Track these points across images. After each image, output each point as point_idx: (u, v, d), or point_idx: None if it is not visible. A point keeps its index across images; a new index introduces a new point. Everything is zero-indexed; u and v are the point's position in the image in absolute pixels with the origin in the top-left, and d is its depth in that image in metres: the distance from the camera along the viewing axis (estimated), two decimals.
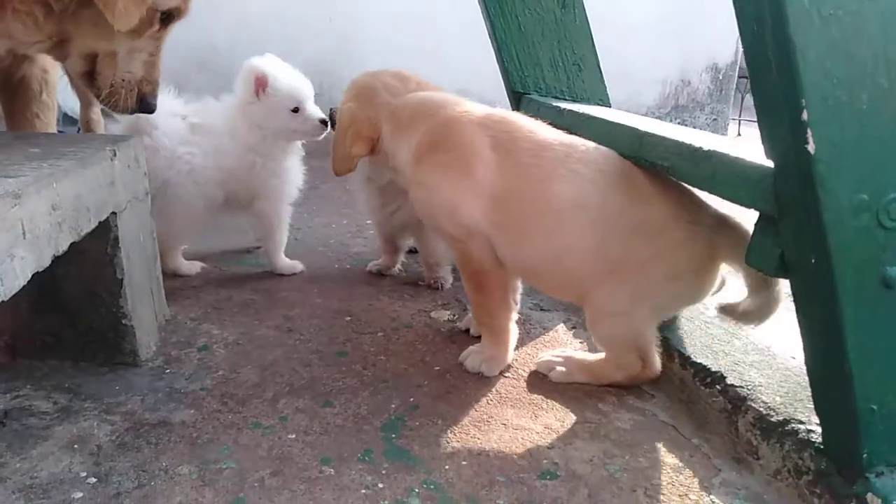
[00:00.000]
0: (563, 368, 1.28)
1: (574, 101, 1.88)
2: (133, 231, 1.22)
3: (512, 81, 1.88)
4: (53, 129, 1.68)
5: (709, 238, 1.13)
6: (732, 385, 1.14)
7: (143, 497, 0.89)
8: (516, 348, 1.37)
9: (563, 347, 1.42)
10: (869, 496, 0.85)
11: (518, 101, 1.88)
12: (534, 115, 1.69)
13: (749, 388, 1.13)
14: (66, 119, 3.16)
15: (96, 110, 2.43)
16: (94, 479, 0.92)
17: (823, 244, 0.77)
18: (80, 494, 0.89)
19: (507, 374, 1.30)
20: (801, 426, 1.01)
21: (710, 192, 0.99)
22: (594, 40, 1.87)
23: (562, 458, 1.04)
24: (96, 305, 1.17)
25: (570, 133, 1.49)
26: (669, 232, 1.13)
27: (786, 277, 0.87)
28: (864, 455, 0.86)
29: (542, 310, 1.63)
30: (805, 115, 0.71)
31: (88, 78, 1.29)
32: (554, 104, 1.63)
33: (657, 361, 1.24)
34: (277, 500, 0.91)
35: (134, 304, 1.20)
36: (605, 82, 1.89)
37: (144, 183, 1.31)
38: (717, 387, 1.16)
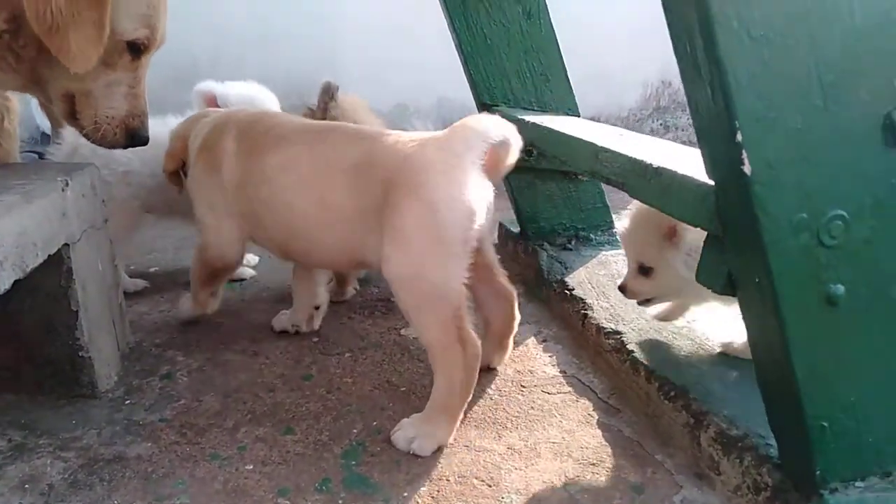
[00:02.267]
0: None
1: (542, 111, 1.88)
2: (89, 261, 1.21)
3: (480, 93, 1.87)
4: (16, 155, 1.67)
5: None
6: (695, 398, 1.14)
7: None
8: (484, 364, 1.37)
9: (531, 362, 1.42)
10: None
11: (486, 112, 1.87)
12: None
13: (711, 401, 1.12)
14: (44, 138, 3.15)
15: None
16: None
17: (765, 263, 0.76)
18: None
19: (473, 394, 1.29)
20: (761, 440, 1.00)
21: (661, 209, 0.98)
22: (561, 49, 1.86)
23: (522, 481, 1.04)
24: (53, 338, 1.15)
25: (535, 147, 1.49)
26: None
27: (733, 295, 0.86)
28: (818, 472, 0.85)
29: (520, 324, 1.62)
30: (739, 137, 0.71)
31: (72, 118, 1.27)
32: (519, 116, 1.62)
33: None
34: None
35: (91, 335, 1.19)
36: (578, 88, 1.89)
37: (102, 211, 1.29)
38: (681, 401, 1.15)
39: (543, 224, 1.95)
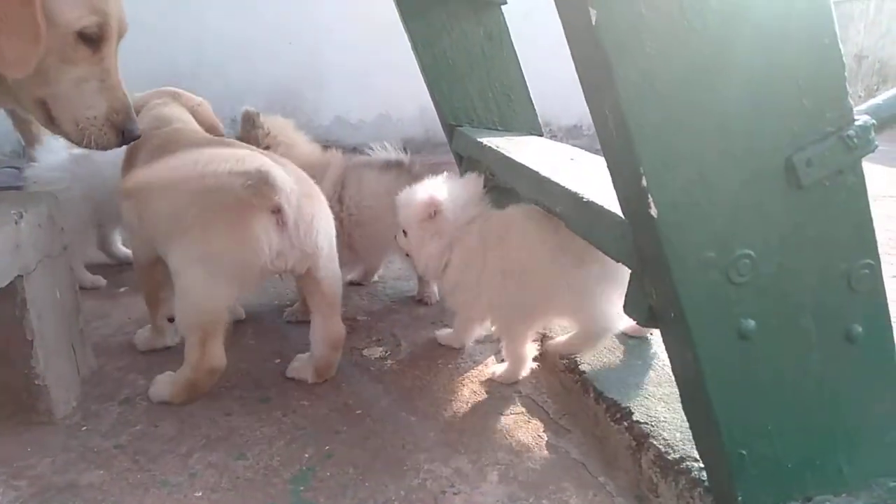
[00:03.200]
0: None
1: (506, 130, 1.91)
2: (46, 290, 1.23)
3: (444, 114, 1.91)
4: None
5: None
6: (638, 421, 1.16)
7: None
8: (443, 384, 1.40)
9: (488, 382, 1.44)
10: None
11: (451, 133, 1.91)
12: (462, 149, 1.73)
13: (653, 423, 1.15)
14: (25, 151, 3.17)
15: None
16: None
17: (677, 300, 0.79)
18: None
19: (427, 415, 1.31)
20: (695, 464, 1.03)
21: (590, 241, 1.01)
22: (523, 70, 1.90)
23: None
24: (8, 366, 1.18)
25: (492, 172, 1.52)
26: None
27: (656, 328, 0.89)
28: (739, 497, 0.88)
29: (475, 342, 1.64)
30: (644, 182, 0.74)
31: (53, 125, 1.24)
32: (478, 139, 1.65)
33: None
34: None
35: (48, 362, 1.21)
36: (561, 93, 1.93)
37: (61, 239, 1.32)
38: (625, 423, 1.18)
39: None
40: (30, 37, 1.08)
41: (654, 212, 0.75)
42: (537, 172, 1.20)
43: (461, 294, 1.45)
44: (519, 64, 1.88)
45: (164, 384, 1.34)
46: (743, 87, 0.73)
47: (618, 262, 0.91)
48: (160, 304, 1.52)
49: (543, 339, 1.53)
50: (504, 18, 1.83)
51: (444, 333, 1.62)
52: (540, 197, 1.18)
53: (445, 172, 1.50)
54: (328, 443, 1.21)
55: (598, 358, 1.40)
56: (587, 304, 1.31)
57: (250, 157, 1.18)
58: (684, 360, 0.85)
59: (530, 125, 1.91)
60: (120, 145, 1.29)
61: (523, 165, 1.27)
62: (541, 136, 1.90)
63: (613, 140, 0.75)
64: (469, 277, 1.40)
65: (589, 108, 0.78)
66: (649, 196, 0.74)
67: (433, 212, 1.39)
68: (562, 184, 1.09)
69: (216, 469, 1.13)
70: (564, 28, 0.76)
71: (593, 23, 0.69)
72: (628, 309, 0.92)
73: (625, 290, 0.92)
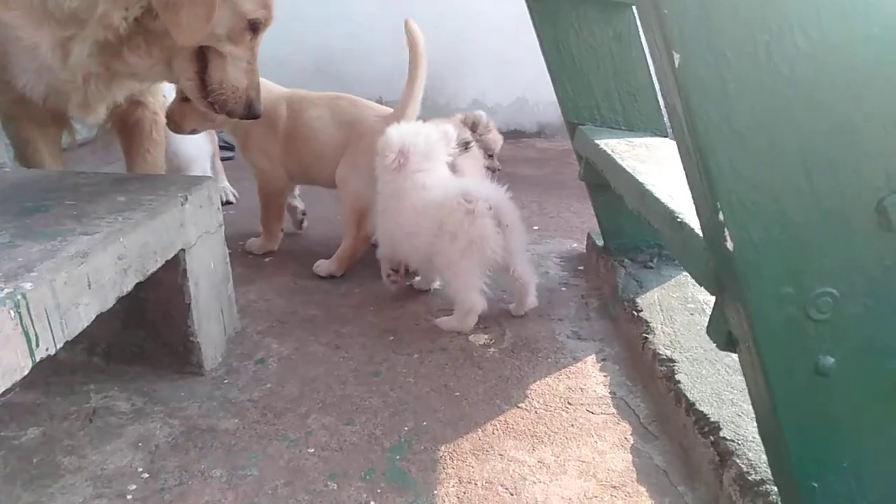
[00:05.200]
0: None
1: (629, 130, 1.91)
2: (203, 261, 1.45)
3: (567, 112, 1.94)
4: (162, 162, 1.98)
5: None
6: (724, 438, 1.18)
7: (180, 493, 1.11)
8: (540, 377, 1.48)
9: (584, 380, 1.50)
10: None
11: (573, 131, 1.94)
12: (580, 148, 1.77)
13: (739, 442, 1.16)
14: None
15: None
16: (147, 475, 1.15)
17: (752, 331, 0.81)
18: (133, 486, 1.12)
19: (519, 405, 1.40)
20: (774, 488, 1.03)
21: (679, 261, 1.03)
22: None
23: (543, 494, 1.14)
24: (170, 324, 1.41)
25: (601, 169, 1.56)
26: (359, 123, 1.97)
27: (734, 352, 0.91)
28: None
29: (578, 338, 1.70)
30: (721, 217, 0.77)
31: (200, 90, 1.53)
32: (595, 141, 1.68)
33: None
34: None
35: (200, 322, 1.43)
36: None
37: (217, 217, 1.53)
38: (712, 437, 1.20)
39: (626, 240, 1.98)
40: (204, 15, 1.34)
41: (730, 245, 0.77)
42: (641, 185, 1.23)
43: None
44: (647, 65, 1.86)
45: (327, 263, 2.01)
46: (831, 130, 0.73)
47: (701, 285, 0.94)
48: (281, 219, 2.18)
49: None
50: (634, 19, 1.82)
51: (443, 320, 1.74)
52: (642, 209, 1.21)
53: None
54: (426, 419, 1.34)
55: (697, 369, 1.41)
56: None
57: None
58: (758, 390, 0.87)
59: (655, 126, 1.89)
60: (243, 118, 1.59)
61: (630, 175, 1.30)
62: (665, 136, 1.88)
63: (694, 174, 0.79)
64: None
65: (672, 128, 0.81)
66: (725, 231, 0.77)
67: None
68: (661, 200, 1.11)
69: (328, 431, 1.29)
70: (654, 66, 0.80)
71: (676, 66, 0.72)
72: (710, 331, 0.95)
73: None
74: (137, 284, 1.21)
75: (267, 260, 2.16)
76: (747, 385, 0.91)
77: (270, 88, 2.06)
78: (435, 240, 1.65)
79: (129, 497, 1.09)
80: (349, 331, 1.70)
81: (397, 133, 1.73)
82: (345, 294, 1.92)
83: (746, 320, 0.81)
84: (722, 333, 0.91)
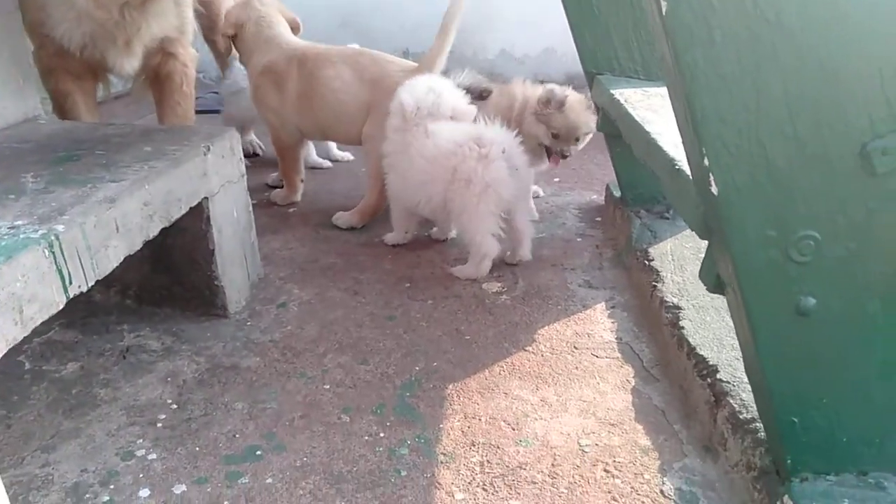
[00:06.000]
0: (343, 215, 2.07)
1: (647, 79, 1.90)
2: (226, 208, 1.52)
3: (586, 62, 1.94)
4: (192, 114, 2.05)
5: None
6: (721, 379, 1.22)
7: (205, 423, 1.20)
8: (548, 323, 1.54)
9: (592, 325, 1.55)
10: (785, 498, 0.93)
11: (591, 80, 1.94)
12: (597, 98, 1.78)
13: (734, 384, 1.20)
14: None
15: None
16: (175, 406, 1.24)
17: (736, 274, 0.85)
18: (163, 416, 1.21)
19: (527, 348, 1.46)
20: (762, 426, 1.08)
21: (676, 209, 1.06)
22: None
23: (543, 429, 1.21)
24: (195, 269, 1.49)
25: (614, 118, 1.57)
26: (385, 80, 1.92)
27: (723, 294, 0.95)
28: (788, 461, 0.94)
29: (590, 287, 1.74)
30: (706, 161, 0.79)
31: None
32: (611, 90, 1.69)
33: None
34: (299, 437, 1.17)
35: (224, 268, 1.51)
36: None
37: (240, 167, 1.59)
38: (709, 379, 1.24)
39: (643, 191, 2.00)
40: None
41: (714, 189, 0.80)
42: (648, 133, 1.24)
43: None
44: None
45: (347, 215, 2.06)
46: (816, 76, 0.75)
47: (693, 230, 0.97)
48: (299, 170, 2.22)
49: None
50: None
51: (458, 268, 1.78)
52: (647, 158, 1.23)
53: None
54: (436, 360, 1.40)
55: (701, 315, 1.44)
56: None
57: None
58: (741, 330, 0.90)
59: None
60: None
61: (639, 124, 1.31)
62: None
63: (682, 119, 0.81)
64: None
65: (666, 88, 0.83)
66: (710, 175, 0.79)
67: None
68: (664, 148, 1.13)
69: (343, 369, 1.37)
70: (647, 14, 0.81)
71: (663, 13, 0.74)
72: (701, 275, 0.98)
73: None
74: (164, 230, 1.28)
75: (291, 211, 2.22)
76: (734, 326, 0.95)
77: (283, 42, 2.04)
78: (449, 186, 1.68)
79: (159, 425, 1.19)
80: (367, 278, 1.77)
81: (409, 95, 1.74)
82: (364, 243, 1.98)
83: (731, 263, 0.85)
84: (711, 276, 0.94)
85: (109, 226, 1.07)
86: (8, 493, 1.00)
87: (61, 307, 0.96)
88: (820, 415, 0.91)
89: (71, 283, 0.97)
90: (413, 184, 1.76)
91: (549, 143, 1.97)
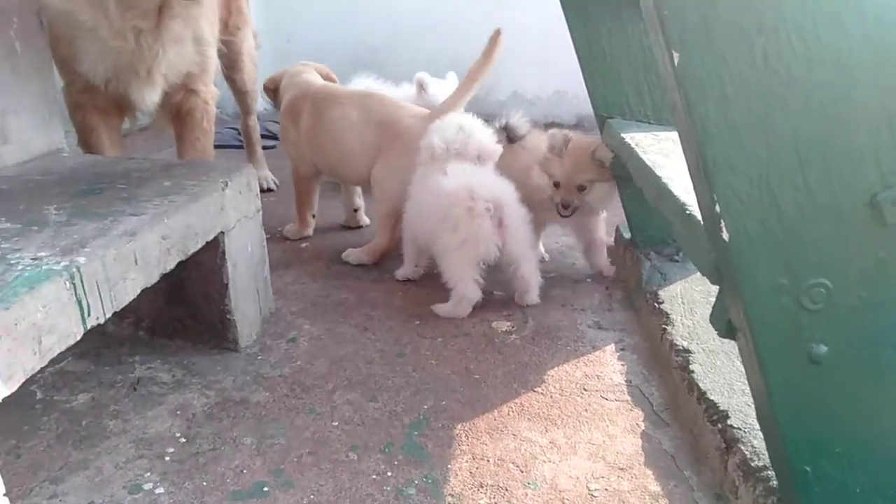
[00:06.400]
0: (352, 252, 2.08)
1: (658, 123, 1.93)
2: (241, 243, 1.54)
3: (597, 106, 1.97)
4: (211, 149, 2.10)
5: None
6: (731, 426, 1.21)
7: (213, 457, 1.20)
8: (558, 364, 1.53)
9: (601, 367, 1.54)
10: None
11: (602, 124, 1.97)
12: (608, 142, 1.81)
13: (745, 430, 1.19)
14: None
15: (253, 118, 2.87)
16: (184, 440, 1.24)
17: (748, 320, 0.85)
18: (171, 449, 1.21)
19: (536, 389, 1.45)
20: (774, 474, 1.07)
21: (687, 254, 1.07)
22: None
23: (552, 472, 1.20)
24: (209, 303, 1.50)
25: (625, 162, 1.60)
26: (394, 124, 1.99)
27: (734, 340, 0.95)
28: None
29: (599, 328, 1.74)
30: (717, 209, 0.81)
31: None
32: (621, 134, 1.71)
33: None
34: (307, 474, 1.17)
35: (237, 302, 1.52)
36: None
37: (256, 203, 1.62)
38: (720, 425, 1.23)
39: (653, 233, 2.01)
40: None
41: (725, 236, 0.81)
42: (659, 178, 1.26)
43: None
44: None
45: (358, 252, 2.07)
46: (825, 127, 0.76)
47: (704, 276, 0.98)
48: (310, 206, 2.26)
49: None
50: None
51: (439, 306, 1.79)
52: (658, 202, 1.24)
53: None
54: (445, 399, 1.40)
55: (711, 359, 1.44)
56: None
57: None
58: (754, 376, 0.90)
59: None
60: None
61: (650, 168, 1.33)
62: None
63: (694, 167, 0.83)
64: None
65: (678, 135, 0.85)
66: (722, 222, 0.81)
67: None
68: (675, 193, 1.15)
69: (352, 406, 1.37)
70: (659, 64, 0.84)
71: (676, 64, 0.76)
72: (712, 320, 0.98)
73: None
74: (180, 264, 1.30)
75: (303, 245, 2.25)
76: (746, 372, 0.95)
77: (303, 82, 2.18)
78: (438, 225, 1.72)
79: (167, 458, 1.19)
80: (378, 314, 1.77)
81: (439, 135, 1.79)
82: (376, 280, 2.00)
83: (743, 309, 0.85)
84: (722, 322, 0.94)
85: (129, 259, 1.10)
86: None
87: (79, 339, 0.97)
88: (833, 465, 0.90)
89: (89, 314, 0.99)
90: (417, 214, 1.82)
91: (551, 193, 1.87)
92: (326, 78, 2.31)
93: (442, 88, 2.55)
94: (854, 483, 0.91)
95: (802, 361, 0.85)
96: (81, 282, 0.97)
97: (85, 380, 1.41)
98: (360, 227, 2.39)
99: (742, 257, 0.82)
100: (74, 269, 0.96)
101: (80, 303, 0.96)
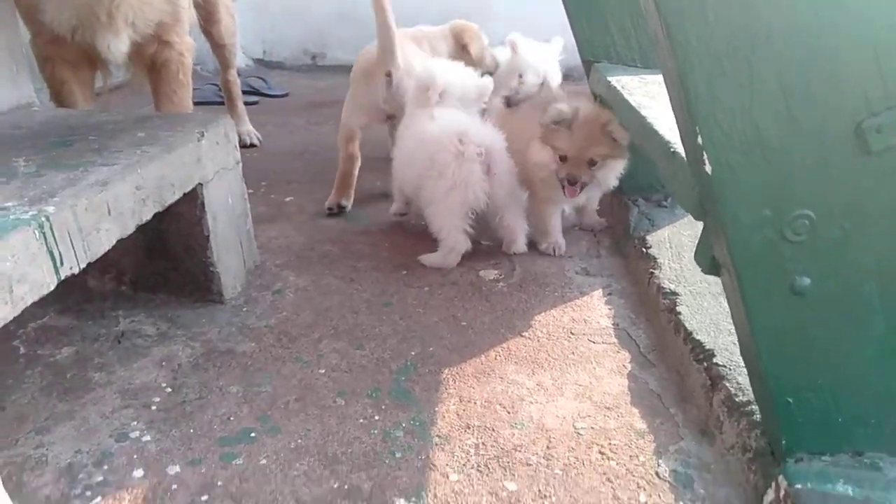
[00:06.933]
0: None
1: (645, 67, 1.90)
2: (221, 195, 1.51)
3: (583, 50, 1.93)
4: (189, 102, 2.04)
5: None
6: (717, 364, 1.22)
7: (200, 406, 1.20)
8: (545, 310, 1.53)
9: (589, 312, 1.55)
10: (780, 478, 0.93)
11: (589, 69, 1.93)
12: (595, 86, 1.78)
13: (730, 367, 1.20)
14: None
15: (233, 72, 2.80)
16: (170, 390, 1.24)
17: (731, 253, 0.84)
18: (157, 399, 1.21)
19: (523, 334, 1.45)
20: (757, 408, 1.08)
21: (671, 192, 1.06)
22: None
23: (538, 413, 1.20)
24: (191, 255, 1.48)
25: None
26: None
27: (718, 276, 0.94)
28: (784, 442, 0.94)
29: (587, 274, 1.74)
30: (699, 140, 0.79)
31: None
32: (608, 78, 1.68)
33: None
34: (294, 420, 1.17)
35: (220, 254, 1.50)
36: None
37: (235, 154, 1.59)
38: (705, 363, 1.24)
39: (640, 179, 1.99)
40: None
41: (708, 168, 0.80)
42: (644, 118, 1.24)
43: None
44: None
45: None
46: (810, 52, 0.74)
47: (688, 212, 0.97)
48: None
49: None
50: None
51: (426, 256, 1.76)
52: (643, 142, 1.22)
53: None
54: (432, 345, 1.40)
55: (698, 301, 1.44)
56: None
57: None
58: (736, 311, 0.90)
59: None
60: None
61: (635, 110, 1.31)
62: None
63: (675, 98, 0.80)
64: None
65: (660, 68, 0.83)
66: (704, 154, 0.79)
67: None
68: (659, 132, 1.13)
69: (339, 354, 1.36)
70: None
71: None
72: (696, 257, 0.98)
73: None
74: (158, 216, 1.28)
75: (287, 200, 2.22)
76: (730, 308, 0.95)
77: None
78: (425, 172, 1.69)
79: (153, 408, 1.19)
80: (364, 265, 1.76)
81: (440, 72, 1.76)
82: (362, 232, 1.98)
83: (726, 243, 0.84)
84: (706, 258, 0.94)
85: (101, 209, 1.07)
86: (1, 473, 1.00)
87: (52, 288, 0.95)
88: (815, 396, 0.90)
89: (62, 264, 0.97)
90: (401, 160, 1.80)
91: (556, 168, 1.69)
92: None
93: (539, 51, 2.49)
94: (836, 413, 0.91)
95: (785, 294, 0.85)
96: (52, 231, 0.94)
97: (68, 334, 1.40)
98: None
99: (725, 189, 0.81)
100: (43, 219, 0.94)
101: (51, 252, 0.94)
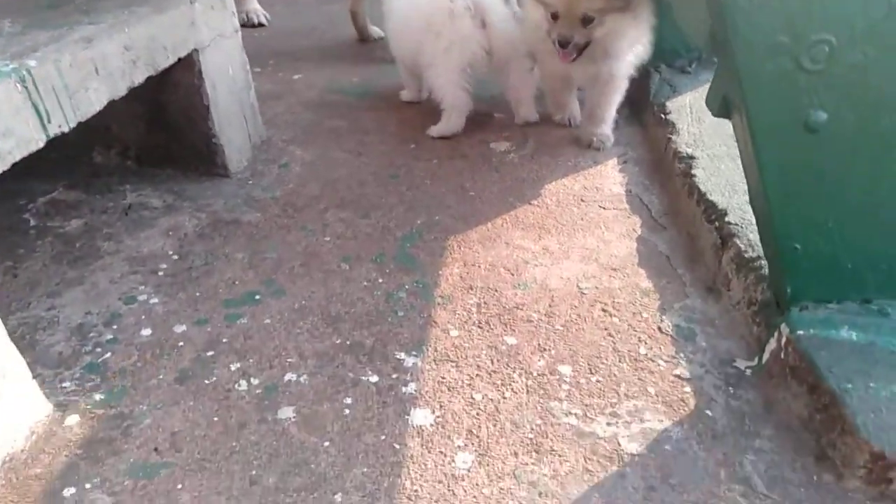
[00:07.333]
0: None
1: None
2: (220, 64, 1.46)
3: None
4: None
5: None
6: (729, 222, 1.18)
7: (206, 271, 1.21)
8: (556, 179, 1.49)
9: (601, 180, 1.50)
10: (783, 326, 0.91)
11: None
12: None
13: (743, 225, 1.16)
14: None
15: None
16: (176, 257, 1.25)
17: (741, 86, 0.79)
18: (164, 265, 1.22)
19: (532, 202, 1.42)
20: (766, 260, 1.05)
21: (682, 23, 0.98)
22: None
23: (543, 274, 1.19)
24: (192, 126, 1.45)
25: None
26: None
27: (728, 118, 0.89)
28: (789, 289, 0.91)
29: (593, 147, 1.67)
30: None
31: None
32: None
33: None
34: (298, 283, 1.18)
35: (222, 126, 1.47)
36: None
37: (233, 22, 1.52)
38: (717, 223, 1.21)
39: (664, 45, 1.86)
40: None
41: None
42: None
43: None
44: None
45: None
46: None
47: (699, 46, 0.89)
48: None
49: None
50: None
51: (432, 128, 1.72)
52: None
53: None
54: (438, 214, 1.38)
55: (715, 164, 1.38)
56: None
57: None
58: (746, 151, 0.85)
59: None
60: None
61: None
62: None
63: None
64: None
65: None
66: None
67: None
68: None
69: (344, 223, 1.36)
70: None
71: None
72: (707, 100, 0.92)
73: None
74: (158, 86, 1.24)
75: (296, 77, 2.15)
76: (739, 150, 0.90)
77: None
78: (422, 37, 1.63)
79: (160, 273, 1.21)
80: (371, 139, 1.72)
81: None
82: (370, 108, 1.92)
83: (738, 76, 0.78)
84: (717, 99, 0.88)
85: (87, 66, 1.04)
86: (15, 333, 1.03)
87: (41, 145, 0.94)
88: (824, 240, 0.87)
89: (49, 121, 0.95)
90: (395, 31, 1.75)
91: (548, 27, 1.47)
92: None
93: None
94: (845, 258, 0.88)
95: (798, 130, 0.80)
96: (35, 85, 0.92)
97: (77, 207, 1.41)
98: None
99: (739, 14, 0.74)
100: (24, 72, 0.91)
101: (36, 107, 0.92)
